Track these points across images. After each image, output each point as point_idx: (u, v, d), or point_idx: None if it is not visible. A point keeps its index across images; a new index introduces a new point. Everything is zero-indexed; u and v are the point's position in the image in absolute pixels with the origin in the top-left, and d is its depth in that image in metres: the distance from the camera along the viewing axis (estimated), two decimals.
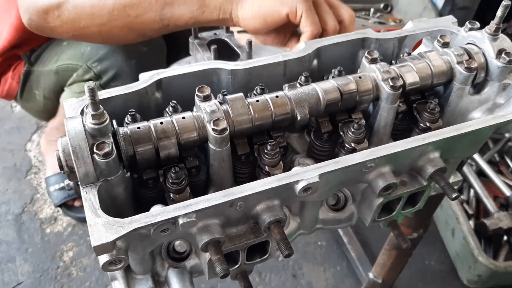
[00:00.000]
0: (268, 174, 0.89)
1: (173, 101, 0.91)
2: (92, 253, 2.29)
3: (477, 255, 2.12)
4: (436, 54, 1.00)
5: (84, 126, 0.75)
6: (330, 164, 0.82)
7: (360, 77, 0.94)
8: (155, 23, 1.16)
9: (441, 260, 2.42)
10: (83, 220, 2.39)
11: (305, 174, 0.80)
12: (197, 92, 0.85)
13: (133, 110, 0.89)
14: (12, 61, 2.17)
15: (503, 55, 0.97)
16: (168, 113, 0.91)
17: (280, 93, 0.90)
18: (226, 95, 0.92)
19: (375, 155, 0.84)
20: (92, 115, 0.73)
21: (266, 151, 0.87)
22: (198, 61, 1.36)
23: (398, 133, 1.04)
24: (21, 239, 2.27)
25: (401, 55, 1.06)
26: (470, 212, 2.47)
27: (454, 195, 0.92)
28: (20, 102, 2.32)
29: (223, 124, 0.80)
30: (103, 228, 0.71)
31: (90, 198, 0.75)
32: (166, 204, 0.86)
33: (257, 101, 0.88)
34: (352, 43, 1.08)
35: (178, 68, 0.96)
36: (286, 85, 0.92)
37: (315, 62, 1.07)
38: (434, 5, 3.55)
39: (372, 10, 3.81)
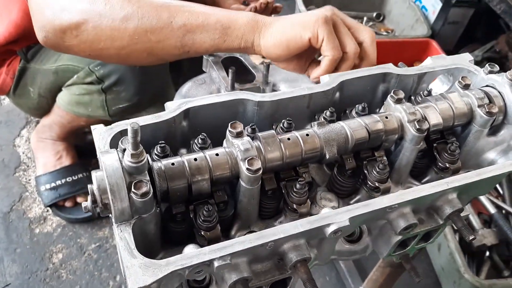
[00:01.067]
0: (295, 211, 0.90)
1: (202, 133, 0.91)
2: (82, 256, 2.27)
3: (463, 272, 2.18)
4: (457, 95, 1.02)
5: (121, 163, 0.75)
6: (360, 207, 0.83)
7: (386, 117, 0.95)
8: (176, 49, 1.14)
9: (427, 273, 2.47)
10: (73, 221, 2.36)
11: (336, 217, 0.81)
12: (229, 128, 0.85)
13: (163, 142, 0.88)
14: (6, 56, 2.11)
15: None
16: (197, 145, 0.90)
17: (309, 131, 0.91)
18: (254, 128, 0.92)
19: (403, 199, 0.86)
20: (131, 154, 0.73)
21: (295, 189, 0.88)
22: (214, 79, 1.35)
23: (415, 170, 1.06)
24: (9, 238, 2.23)
25: (422, 92, 1.08)
26: (455, 227, 2.53)
27: (471, 237, 0.95)
28: (13, 98, 2.26)
29: (258, 164, 0.80)
30: (140, 270, 0.70)
31: (125, 237, 0.74)
32: (194, 238, 0.87)
33: (288, 139, 0.89)
34: (374, 77, 1.10)
35: (205, 98, 0.96)
36: (315, 122, 0.92)
37: (337, 94, 1.08)
38: (426, 18, 3.61)
39: (365, 18, 3.84)
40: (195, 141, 0.91)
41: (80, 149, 2.51)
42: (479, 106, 1.00)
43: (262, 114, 1.01)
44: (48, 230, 2.33)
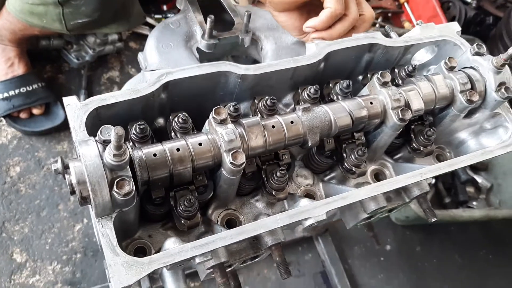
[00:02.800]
0: (273, 195, 0.91)
1: (184, 113, 0.87)
2: (40, 170, 2.23)
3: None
4: (442, 79, 1.01)
5: (101, 158, 0.71)
6: (338, 201, 0.85)
7: (371, 103, 0.94)
8: None
9: None
10: (29, 134, 2.28)
11: (314, 211, 0.83)
12: (213, 115, 0.82)
13: (143, 123, 0.84)
14: None
15: (502, 89, 1.00)
16: (177, 124, 0.87)
17: (294, 118, 0.88)
18: (237, 108, 0.89)
19: (378, 191, 0.89)
20: (114, 154, 0.69)
21: (275, 177, 0.88)
22: (189, 21, 1.25)
23: (389, 148, 1.08)
24: None
25: (406, 67, 1.06)
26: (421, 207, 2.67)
27: (433, 219, 1.01)
28: None
29: (242, 159, 0.79)
30: (123, 269, 0.71)
31: (107, 232, 0.73)
32: (172, 220, 0.87)
33: (273, 126, 0.86)
34: (360, 47, 1.06)
35: (186, 69, 0.90)
36: (300, 107, 0.90)
37: (321, 65, 1.04)
38: None
39: None
40: (175, 119, 0.87)
41: (33, 55, 2.33)
42: (461, 92, 1.00)
43: (244, 86, 0.97)
44: (3, 142, 2.24)
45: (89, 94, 2.48)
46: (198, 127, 0.93)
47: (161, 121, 0.97)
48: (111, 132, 0.71)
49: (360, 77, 1.14)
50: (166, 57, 1.14)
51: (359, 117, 0.92)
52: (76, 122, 0.80)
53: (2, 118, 2.26)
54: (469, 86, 1.01)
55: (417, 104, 0.97)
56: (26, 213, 2.13)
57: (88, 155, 0.71)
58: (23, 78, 2.24)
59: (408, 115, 0.93)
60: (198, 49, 1.21)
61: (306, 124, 0.89)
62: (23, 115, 2.26)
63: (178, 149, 0.79)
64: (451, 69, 1.03)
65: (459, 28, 1.15)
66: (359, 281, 2.43)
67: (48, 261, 2.07)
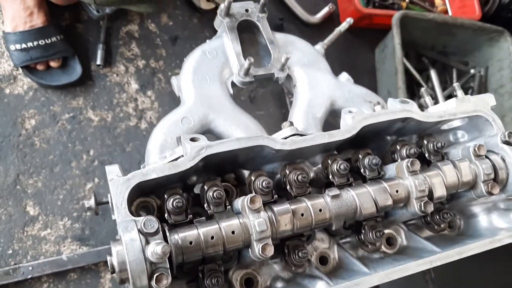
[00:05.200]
0: (291, 269, 0.98)
1: (219, 191, 0.90)
2: (55, 125, 2.26)
3: None
4: (468, 167, 1.04)
5: (144, 253, 0.76)
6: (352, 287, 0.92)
7: (397, 191, 0.98)
8: None
9: None
10: (45, 86, 2.28)
11: None
12: (248, 203, 0.86)
13: (180, 200, 0.88)
14: None
15: None
16: (211, 198, 0.91)
17: (323, 205, 0.93)
18: (270, 186, 0.93)
19: (390, 278, 0.95)
20: (157, 257, 0.74)
21: (297, 256, 0.94)
22: (226, 51, 1.22)
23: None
24: None
25: (435, 143, 1.08)
26: None
27: None
28: None
29: (271, 251, 0.85)
30: None
31: None
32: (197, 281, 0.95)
33: (302, 214, 0.91)
34: (395, 119, 1.07)
35: (225, 143, 0.92)
36: (329, 193, 0.94)
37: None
38: None
39: None
40: (210, 193, 0.91)
41: (53, 6, 2.27)
42: (483, 181, 1.04)
43: (277, 156, 0.99)
44: (19, 92, 2.25)
45: (107, 49, 2.45)
46: (225, 179, 0.98)
47: (194, 178, 1.00)
48: (154, 226, 0.76)
49: (389, 138, 1.17)
50: (200, 93, 1.15)
51: (384, 206, 0.97)
52: (118, 198, 0.84)
53: (19, 68, 2.25)
54: (492, 176, 1.05)
55: (440, 192, 1.01)
56: (40, 168, 2.20)
57: (132, 249, 0.76)
58: (42, 30, 2.20)
59: (430, 209, 0.97)
60: (232, 83, 1.21)
61: (333, 211, 0.93)
62: (40, 67, 2.25)
63: (212, 237, 0.85)
64: (478, 157, 1.05)
65: (494, 102, 1.15)
66: None
67: (59, 217, 2.18)
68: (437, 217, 1.08)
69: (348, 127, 1.01)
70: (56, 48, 2.23)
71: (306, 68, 1.26)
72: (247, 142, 0.94)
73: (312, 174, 1.10)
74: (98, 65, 2.40)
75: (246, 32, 1.27)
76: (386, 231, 1.14)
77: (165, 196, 0.91)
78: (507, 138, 1.07)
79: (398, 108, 1.07)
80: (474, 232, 1.15)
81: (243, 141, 0.93)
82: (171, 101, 2.52)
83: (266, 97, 2.63)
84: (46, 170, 2.20)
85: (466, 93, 3.08)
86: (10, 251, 2.09)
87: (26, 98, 2.26)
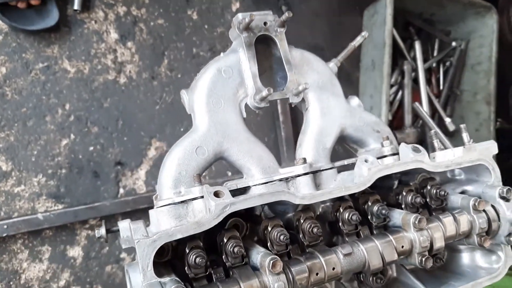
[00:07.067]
0: None
1: (240, 248, 0.92)
2: (28, 75, 2.11)
3: None
4: (466, 220, 1.11)
5: None
6: None
7: (402, 247, 1.04)
8: None
9: None
10: (18, 30, 2.09)
11: None
12: (270, 267, 0.89)
13: (203, 256, 0.89)
14: None
15: (511, 238, 1.13)
16: (232, 254, 0.93)
17: (336, 263, 0.97)
18: (287, 239, 0.96)
19: None
20: None
21: None
22: (242, 70, 1.16)
23: None
24: None
25: (439, 191, 1.14)
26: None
27: None
28: None
29: None
30: None
31: None
32: None
33: (317, 274, 0.95)
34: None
35: (249, 199, 0.92)
36: (343, 251, 0.98)
37: None
38: None
39: None
40: (230, 249, 0.93)
41: None
42: (477, 235, 1.12)
43: (296, 206, 1.01)
44: None
45: None
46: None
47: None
48: None
49: (393, 175, 1.20)
50: (215, 120, 1.10)
51: (389, 261, 1.02)
52: (144, 261, 0.84)
53: None
54: (486, 229, 1.12)
55: (439, 244, 1.08)
56: (12, 121, 2.08)
57: None
58: None
59: (429, 264, 1.04)
60: (246, 105, 1.17)
61: (345, 268, 0.98)
62: (20, 5, 2.05)
63: None
64: (477, 211, 1.12)
65: (497, 151, 1.20)
66: None
67: (34, 173, 2.11)
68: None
69: (364, 179, 1.03)
70: None
71: (320, 92, 1.23)
72: (269, 197, 0.94)
73: (319, 211, 1.13)
74: (75, 10, 2.21)
75: (261, 44, 1.20)
76: None
77: (186, 250, 0.92)
78: (504, 194, 1.13)
79: (410, 157, 1.09)
80: (456, 268, 1.24)
81: (265, 197, 0.94)
82: (153, 54, 2.39)
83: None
84: (19, 124, 2.10)
85: (444, 67, 3.13)
86: None
87: None
